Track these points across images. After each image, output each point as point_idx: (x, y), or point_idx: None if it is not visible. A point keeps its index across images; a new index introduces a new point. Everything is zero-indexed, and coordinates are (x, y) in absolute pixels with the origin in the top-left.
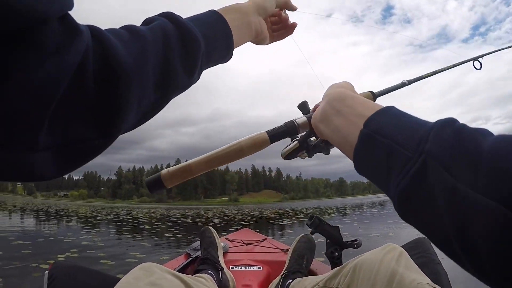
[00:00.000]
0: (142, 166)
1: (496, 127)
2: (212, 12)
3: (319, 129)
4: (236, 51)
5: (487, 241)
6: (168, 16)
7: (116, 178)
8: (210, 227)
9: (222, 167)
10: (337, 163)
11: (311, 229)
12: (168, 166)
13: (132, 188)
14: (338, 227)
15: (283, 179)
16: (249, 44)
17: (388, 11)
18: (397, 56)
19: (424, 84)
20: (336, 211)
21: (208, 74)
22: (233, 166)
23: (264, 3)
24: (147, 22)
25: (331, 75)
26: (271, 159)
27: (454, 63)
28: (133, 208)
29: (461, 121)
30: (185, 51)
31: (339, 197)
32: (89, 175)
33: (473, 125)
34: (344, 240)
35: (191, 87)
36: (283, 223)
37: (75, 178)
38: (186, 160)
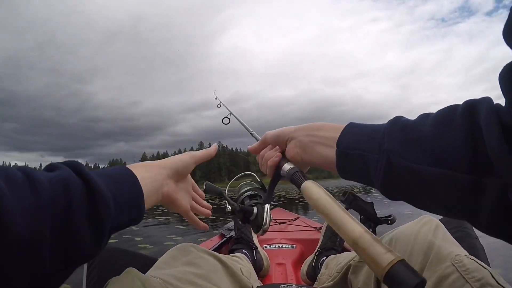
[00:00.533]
0: (166, 151)
1: None
2: (122, 168)
3: (304, 159)
4: (252, 31)
5: (450, 198)
6: (74, 167)
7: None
8: None
9: (245, 148)
10: None
11: (345, 205)
12: (191, 149)
13: None
14: (372, 202)
15: None
16: (266, 23)
17: None
18: (418, 31)
19: (447, 60)
20: (362, 190)
21: (226, 58)
22: None
23: (176, 165)
24: (49, 169)
25: (352, 53)
26: None
27: None
28: None
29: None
30: (92, 212)
31: None
32: (114, 163)
33: (498, 101)
34: (378, 216)
35: (208, 71)
36: None
37: (101, 166)
38: (209, 144)
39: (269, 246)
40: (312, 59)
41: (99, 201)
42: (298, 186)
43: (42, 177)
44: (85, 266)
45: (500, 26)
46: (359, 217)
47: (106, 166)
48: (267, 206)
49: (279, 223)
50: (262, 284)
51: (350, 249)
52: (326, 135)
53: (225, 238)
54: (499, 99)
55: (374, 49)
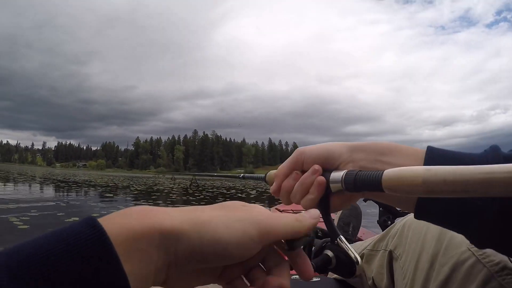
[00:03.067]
0: (159, 137)
1: None
2: (88, 226)
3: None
4: (251, 23)
5: None
6: None
7: (133, 148)
8: None
9: (239, 139)
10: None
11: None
12: (185, 137)
13: (149, 159)
14: None
15: None
16: (265, 17)
17: None
18: (417, 37)
19: (443, 67)
20: None
21: (223, 48)
22: (250, 139)
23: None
24: None
25: (348, 53)
26: (288, 133)
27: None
28: (158, 178)
29: (478, 108)
30: None
31: None
32: (107, 146)
33: (491, 113)
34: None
35: (205, 60)
36: None
37: (94, 148)
38: (204, 132)
39: None
40: (309, 56)
41: None
42: (376, 184)
43: None
44: None
45: (499, 39)
46: (378, 208)
47: (98, 148)
48: (340, 238)
49: (294, 212)
50: None
51: (362, 239)
52: (399, 162)
53: None
54: (492, 110)
55: (371, 50)
